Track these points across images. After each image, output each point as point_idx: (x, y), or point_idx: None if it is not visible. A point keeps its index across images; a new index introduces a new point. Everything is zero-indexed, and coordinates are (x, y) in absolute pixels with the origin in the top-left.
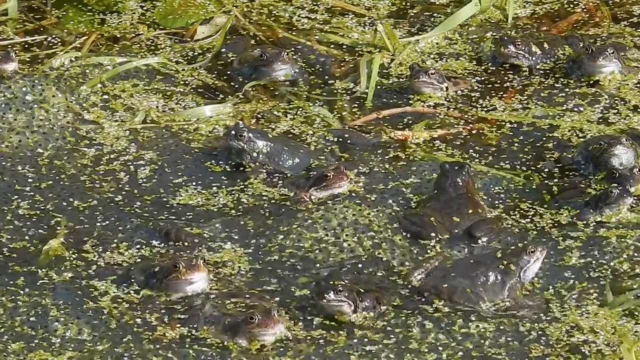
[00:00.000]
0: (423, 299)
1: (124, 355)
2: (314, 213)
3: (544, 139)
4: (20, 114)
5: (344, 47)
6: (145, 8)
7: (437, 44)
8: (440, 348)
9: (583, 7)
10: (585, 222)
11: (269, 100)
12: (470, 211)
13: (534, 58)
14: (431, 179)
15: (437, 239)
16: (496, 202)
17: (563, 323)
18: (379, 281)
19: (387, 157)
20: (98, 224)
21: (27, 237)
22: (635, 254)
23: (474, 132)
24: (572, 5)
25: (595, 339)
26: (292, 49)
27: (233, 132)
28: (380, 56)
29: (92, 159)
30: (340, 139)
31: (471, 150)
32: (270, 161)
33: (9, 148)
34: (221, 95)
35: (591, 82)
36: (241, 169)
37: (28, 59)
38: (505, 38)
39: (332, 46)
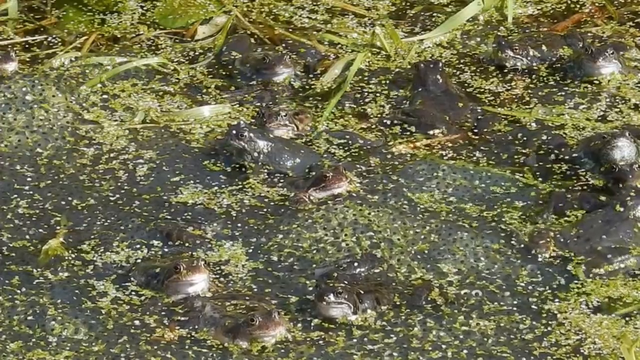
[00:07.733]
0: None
1: (121, 356)
2: (314, 213)
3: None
4: (20, 113)
5: (345, 46)
6: (145, 8)
7: (438, 44)
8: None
9: (589, 8)
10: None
11: (268, 102)
12: (461, 105)
13: (532, 61)
14: (432, 178)
15: (440, 129)
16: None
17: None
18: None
19: (386, 157)
20: (98, 224)
21: (27, 237)
22: None
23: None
24: (577, 6)
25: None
26: (292, 49)
27: (234, 131)
28: (363, 55)
29: (91, 158)
30: (340, 140)
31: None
32: (270, 161)
33: (8, 148)
34: (222, 96)
35: (591, 82)
36: (242, 168)
37: (28, 59)
38: (503, 42)
39: (331, 46)
